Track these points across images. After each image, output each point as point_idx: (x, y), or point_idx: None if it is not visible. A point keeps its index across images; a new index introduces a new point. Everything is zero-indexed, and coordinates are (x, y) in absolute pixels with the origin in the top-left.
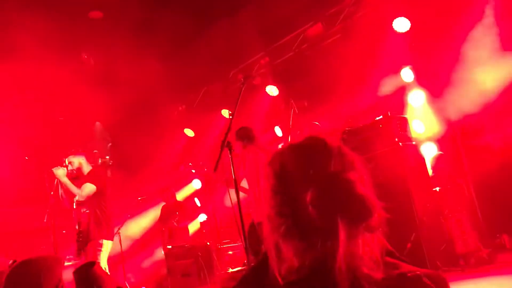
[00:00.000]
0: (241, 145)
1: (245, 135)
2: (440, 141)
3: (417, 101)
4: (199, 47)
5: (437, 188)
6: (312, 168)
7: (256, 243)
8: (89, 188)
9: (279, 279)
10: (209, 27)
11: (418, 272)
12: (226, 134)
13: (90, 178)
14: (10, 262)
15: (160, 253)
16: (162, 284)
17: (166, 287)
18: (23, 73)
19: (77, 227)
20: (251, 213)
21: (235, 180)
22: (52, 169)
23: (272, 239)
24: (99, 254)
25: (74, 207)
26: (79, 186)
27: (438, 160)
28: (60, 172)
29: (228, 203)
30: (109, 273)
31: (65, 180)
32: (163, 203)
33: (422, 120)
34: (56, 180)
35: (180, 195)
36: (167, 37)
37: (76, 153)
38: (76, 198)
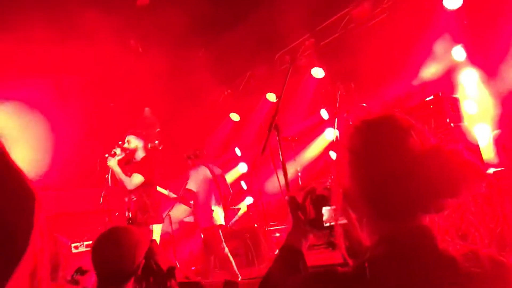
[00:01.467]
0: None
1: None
2: (494, 122)
3: (469, 81)
4: (244, 31)
5: (491, 170)
6: (397, 143)
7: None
8: (137, 178)
9: (347, 259)
10: (253, 10)
11: (486, 250)
12: (274, 116)
13: (140, 168)
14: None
15: None
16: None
17: (215, 267)
18: (73, 60)
19: (127, 213)
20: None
21: (283, 163)
22: (107, 160)
23: (346, 215)
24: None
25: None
26: (128, 171)
27: (497, 139)
28: (113, 163)
29: (274, 185)
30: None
31: (117, 170)
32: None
33: (475, 100)
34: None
35: (227, 179)
36: (211, 23)
37: (138, 135)
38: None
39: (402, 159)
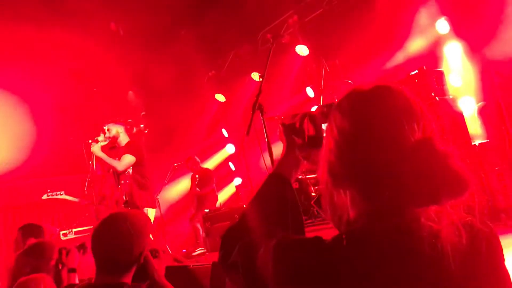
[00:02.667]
0: None
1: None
2: (479, 95)
3: (453, 54)
4: (225, 11)
5: (476, 142)
6: (392, 128)
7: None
8: (128, 159)
9: (338, 225)
10: None
11: (469, 219)
12: (257, 96)
13: (128, 149)
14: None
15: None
16: (201, 246)
17: (205, 249)
18: (54, 45)
19: (124, 197)
20: None
21: (269, 143)
22: (90, 146)
23: (329, 188)
24: None
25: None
26: (114, 156)
27: (482, 111)
28: (96, 148)
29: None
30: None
31: (101, 154)
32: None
33: (459, 73)
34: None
35: (215, 161)
36: (192, 3)
37: (116, 122)
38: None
39: (392, 146)
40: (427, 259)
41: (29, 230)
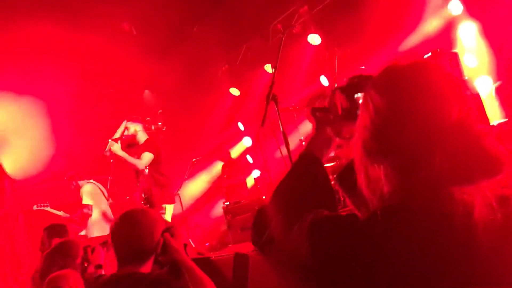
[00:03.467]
0: None
1: None
2: (495, 74)
3: (467, 34)
4: (236, 5)
5: (495, 123)
6: (429, 106)
7: None
8: (148, 156)
9: (369, 199)
10: None
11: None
12: (271, 87)
13: (146, 146)
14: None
15: (219, 210)
16: (224, 239)
17: (228, 241)
18: (69, 46)
19: (143, 195)
20: None
21: (284, 133)
22: (110, 147)
23: (363, 163)
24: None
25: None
26: (133, 154)
27: (499, 90)
28: (116, 147)
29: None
30: None
31: (122, 153)
32: (221, 163)
33: (474, 53)
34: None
35: (232, 154)
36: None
37: (134, 120)
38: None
39: (428, 125)
40: (460, 238)
41: (53, 230)
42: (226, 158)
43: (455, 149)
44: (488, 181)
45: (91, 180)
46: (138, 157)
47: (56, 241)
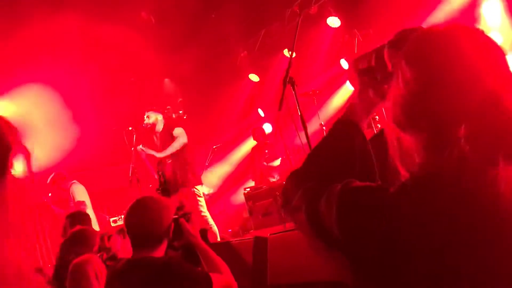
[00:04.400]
0: None
1: None
2: None
3: (492, 12)
4: None
5: None
6: (471, 80)
7: None
8: (183, 136)
9: (401, 169)
10: None
11: None
12: (287, 70)
13: (171, 125)
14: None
15: (241, 196)
16: (246, 225)
17: (250, 227)
18: (88, 37)
19: (159, 177)
20: None
21: (302, 117)
22: (137, 148)
23: (396, 132)
24: (200, 201)
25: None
26: (154, 142)
27: None
28: (141, 148)
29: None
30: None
31: (151, 152)
32: (251, 144)
33: (499, 31)
34: (134, 136)
35: (253, 141)
36: None
37: (156, 110)
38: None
39: (462, 99)
40: (486, 216)
41: (76, 218)
42: (260, 138)
43: (482, 125)
44: None
45: (75, 181)
46: (160, 145)
47: (77, 228)
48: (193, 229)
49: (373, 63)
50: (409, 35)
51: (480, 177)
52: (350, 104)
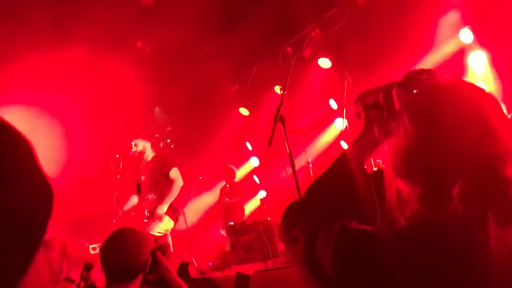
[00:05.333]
0: None
1: None
2: (505, 104)
3: (478, 63)
4: (247, 26)
5: None
6: (471, 141)
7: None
8: (176, 172)
9: (397, 214)
10: (255, 4)
11: None
12: (278, 108)
13: (162, 162)
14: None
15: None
16: (227, 259)
17: (231, 261)
18: (79, 63)
19: (146, 213)
20: None
21: (290, 154)
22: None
23: (393, 177)
24: (156, 224)
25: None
26: (142, 170)
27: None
28: (161, 210)
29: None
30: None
31: (166, 208)
32: (223, 182)
33: (484, 82)
34: (121, 163)
35: (239, 174)
36: (214, 18)
37: (144, 138)
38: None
39: (458, 158)
40: (480, 274)
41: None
42: (229, 178)
43: (475, 187)
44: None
45: None
46: (149, 177)
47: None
48: (168, 263)
49: (381, 99)
50: (418, 77)
51: (472, 235)
52: (354, 139)
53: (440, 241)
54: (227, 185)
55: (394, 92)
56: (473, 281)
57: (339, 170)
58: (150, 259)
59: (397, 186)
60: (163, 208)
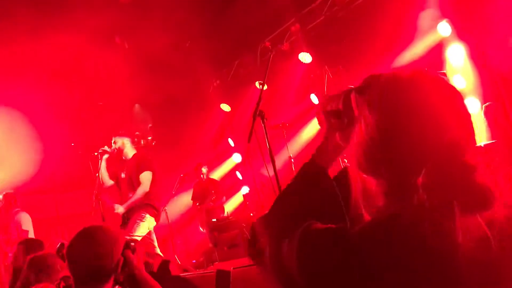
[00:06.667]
0: None
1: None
2: (483, 95)
3: (456, 56)
4: (228, 21)
5: (482, 144)
6: (432, 130)
7: None
8: (148, 175)
9: (363, 210)
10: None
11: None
12: (257, 104)
13: (139, 163)
14: (58, 244)
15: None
16: (211, 256)
17: (215, 258)
18: (58, 59)
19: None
20: None
21: (270, 150)
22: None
23: (359, 174)
24: (138, 224)
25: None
26: (121, 168)
27: (488, 111)
28: (121, 209)
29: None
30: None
31: (128, 204)
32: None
33: (463, 74)
34: (100, 162)
35: (222, 170)
36: (195, 15)
37: (122, 134)
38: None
39: (421, 148)
40: (446, 265)
41: (31, 245)
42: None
43: (439, 176)
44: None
45: (19, 209)
46: (126, 171)
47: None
48: (137, 261)
49: (340, 106)
50: (376, 82)
51: (437, 226)
52: (317, 147)
53: (405, 234)
54: (212, 191)
55: (352, 98)
56: (441, 274)
57: (303, 179)
58: (122, 259)
59: (363, 183)
60: (119, 209)
